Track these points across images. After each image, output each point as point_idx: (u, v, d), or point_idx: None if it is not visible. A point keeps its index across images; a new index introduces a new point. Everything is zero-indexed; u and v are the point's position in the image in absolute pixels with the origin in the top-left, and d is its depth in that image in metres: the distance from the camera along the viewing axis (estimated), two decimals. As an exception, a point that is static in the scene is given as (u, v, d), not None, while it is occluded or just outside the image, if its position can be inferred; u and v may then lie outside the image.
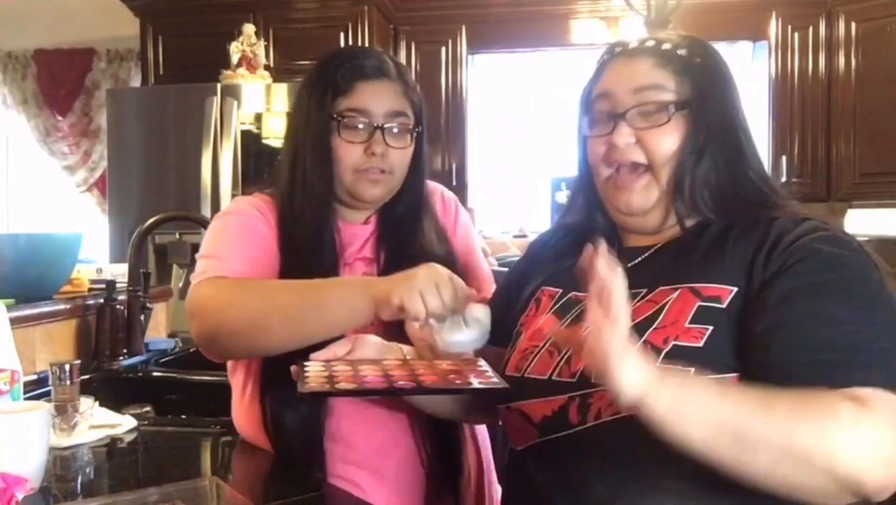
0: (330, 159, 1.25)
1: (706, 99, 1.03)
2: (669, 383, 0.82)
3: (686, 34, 1.11)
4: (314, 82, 1.28)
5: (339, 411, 1.24)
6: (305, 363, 1.08)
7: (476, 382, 1.03)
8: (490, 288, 1.40)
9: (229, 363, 1.34)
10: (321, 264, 1.24)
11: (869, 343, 0.87)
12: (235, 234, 1.27)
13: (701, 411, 0.82)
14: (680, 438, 0.82)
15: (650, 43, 1.06)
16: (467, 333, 1.06)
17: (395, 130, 1.26)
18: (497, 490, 1.41)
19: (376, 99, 1.25)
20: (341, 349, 1.11)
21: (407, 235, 1.31)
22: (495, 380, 1.04)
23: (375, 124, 1.25)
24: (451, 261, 1.31)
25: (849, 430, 0.81)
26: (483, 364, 1.09)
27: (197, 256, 1.26)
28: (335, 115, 1.25)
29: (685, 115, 1.03)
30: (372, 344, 1.13)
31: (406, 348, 1.15)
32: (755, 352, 0.91)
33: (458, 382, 1.03)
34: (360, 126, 1.25)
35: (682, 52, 1.05)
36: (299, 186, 1.26)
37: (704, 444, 0.82)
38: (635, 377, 0.81)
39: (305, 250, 1.25)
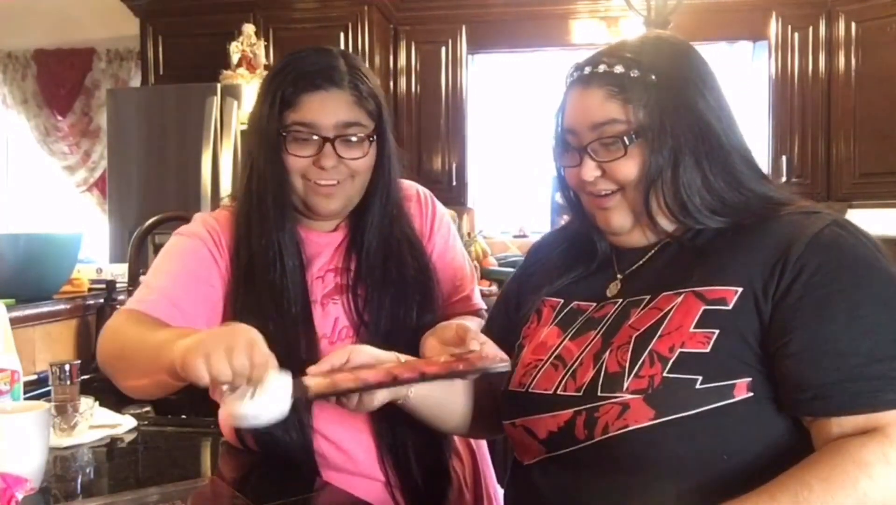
0: (283, 174, 1.22)
1: (666, 115, 1.00)
2: None
3: (650, 37, 1.09)
4: (264, 93, 1.24)
5: (326, 419, 1.22)
6: (304, 378, 1.06)
7: (479, 365, 1.02)
8: (470, 285, 1.38)
9: None
10: (282, 281, 1.22)
11: None
12: (175, 262, 1.26)
13: None
14: None
15: (602, 67, 1.03)
16: (255, 405, 0.92)
17: (352, 140, 1.22)
18: (496, 497, 1.40)
19: (323, 111, 1.20)
20: (338, 360, 1.05)
21: (379, 244, 1.28)
22: (498, 362, 1.03)
23: (324, 136, 1.20)
24: (424, 267, 1.29)
25: (885, 478, 0.82)
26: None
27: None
28: (282, 130, 1.21)
29: (642, 141, 1.01)
30: (368, 353, 1.08)
31: (403, 357, 1.10)
32: (787, 370, 0.90)
33: (461, 367, 1.02)
34: (311, 138, 1.20)
35: (634, 73, 1.01)
36: (255, 202, 1.24)
37: None
38: None
39: (261, 267, 1.22)
